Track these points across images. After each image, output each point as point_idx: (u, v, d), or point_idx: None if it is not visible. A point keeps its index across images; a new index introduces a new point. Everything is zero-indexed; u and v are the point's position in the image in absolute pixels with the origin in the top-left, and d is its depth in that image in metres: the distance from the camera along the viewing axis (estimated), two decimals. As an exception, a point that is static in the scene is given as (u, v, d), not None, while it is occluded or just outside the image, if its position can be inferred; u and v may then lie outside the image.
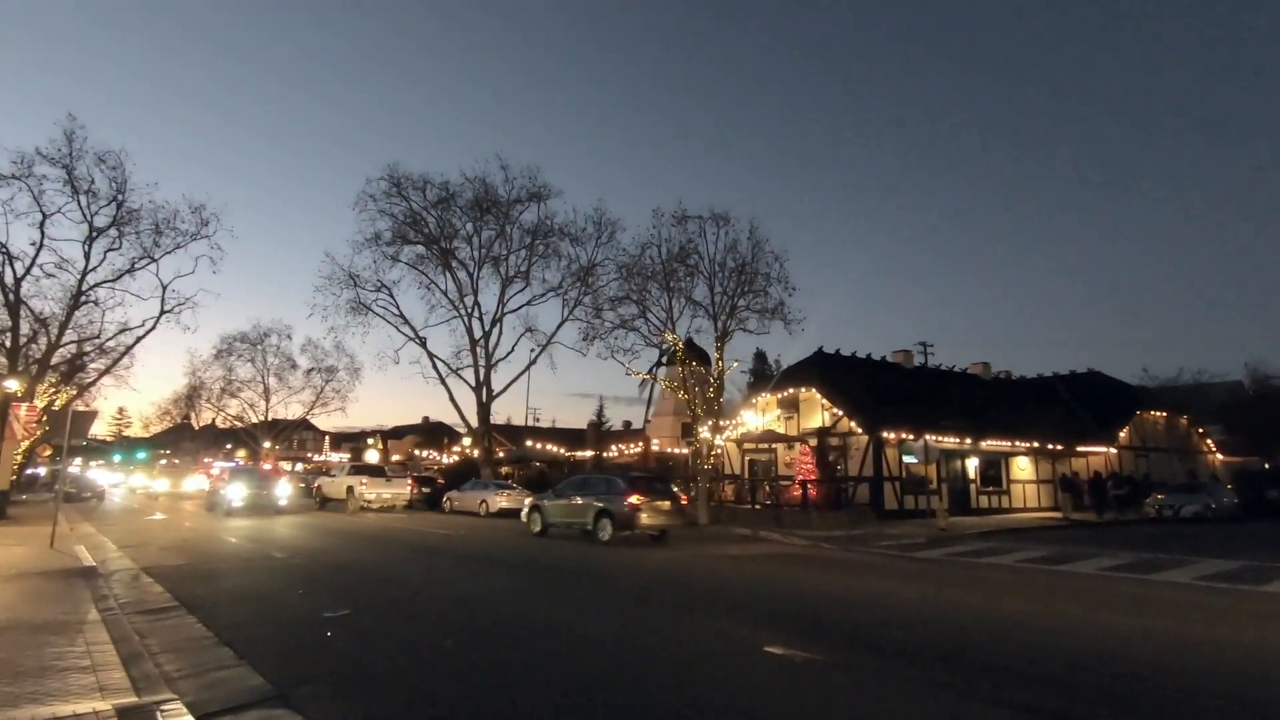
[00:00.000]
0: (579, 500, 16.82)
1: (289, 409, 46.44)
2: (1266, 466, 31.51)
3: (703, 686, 5.10)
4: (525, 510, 18.78)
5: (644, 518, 15.61)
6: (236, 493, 23.49)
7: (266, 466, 36.15)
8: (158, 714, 4.33)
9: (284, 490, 24.98)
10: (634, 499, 15.65)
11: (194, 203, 27.17)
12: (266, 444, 45.47)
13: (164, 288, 26.58)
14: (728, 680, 5.26)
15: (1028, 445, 26.09)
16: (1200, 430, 33.79)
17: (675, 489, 17.84)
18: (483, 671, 5.45)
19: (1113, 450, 28.74)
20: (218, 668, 5.56)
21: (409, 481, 30.49)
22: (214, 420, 52.90)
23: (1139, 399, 32.24)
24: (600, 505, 16.05)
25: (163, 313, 26.66)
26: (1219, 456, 33.67)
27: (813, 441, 23.70)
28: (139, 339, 27.23)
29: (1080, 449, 27.39)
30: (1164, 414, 32.32)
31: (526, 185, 31.45)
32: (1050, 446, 26.38)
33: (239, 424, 47.09)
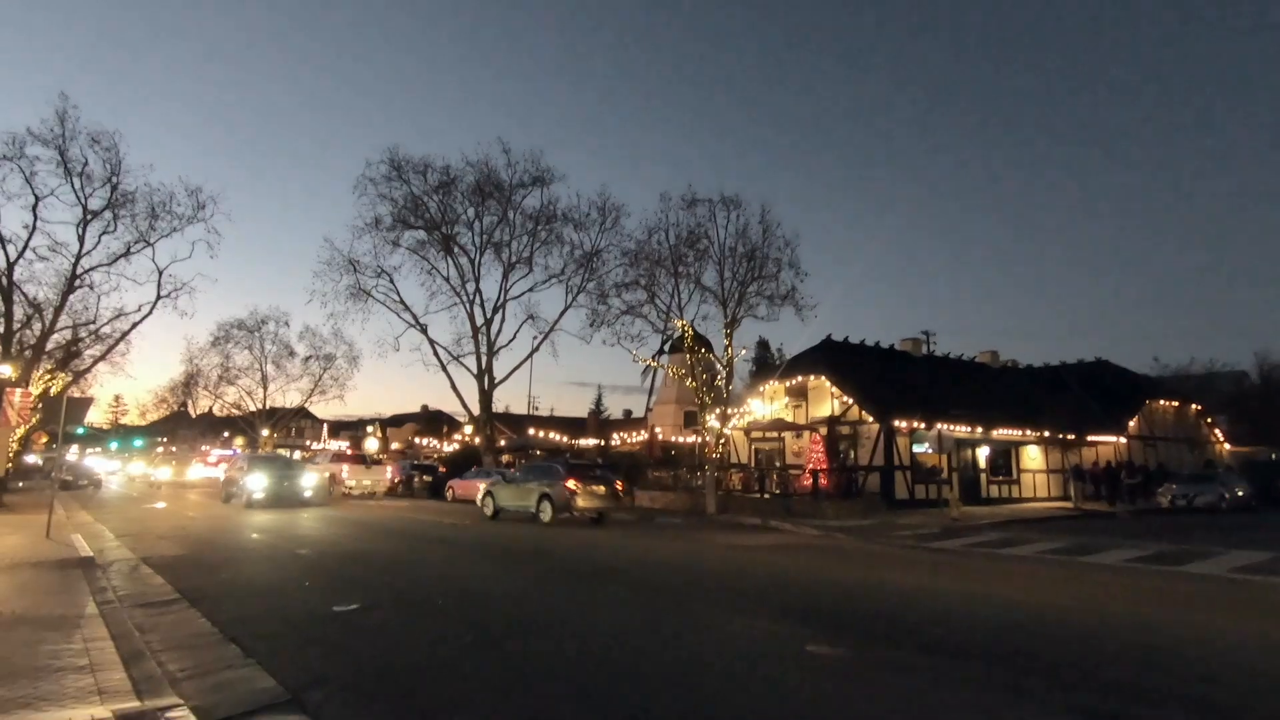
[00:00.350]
0: (524, 486, 18.11)
1: (287, 397, 46.03)
2: (1274, 456, 31.30)
3: (754, 692, 4.75)
4: (480, 495, 19.79)
5: (580, 501, 16.92)
6: (257, 483, 21.69)
7: (297, 455, 35.64)
8: (162, 721, 3.96)
9: (310, 481, 23.07)
10: (570, 484, 16.92)
11: (190, 185, 26.72)
12: (264, 432, 45.07)
13: (160, 272, 26.14)
14: (778, 683, 4.91)
15: (1037, 434, 25.82)
16: (1209, 420, 33.56)
17: (613, 476, 19.07)
18: (511, 674, 5.09)
19: (1122, 440, 28.50)
20: (224, 667, 5.20)
21: (388, 468, 31.01)
22: (211, 408, 52.44)
23: (1148, 388, 31.96)
24: (541, 490, 17.29)
25: (159, 298, 26.24)
26: (1227, 446, 33.47)
27: (823, 430, 23.39)
28: (135, 324, 26.80)
29: (1090, 438, 27.14)
30: (1173, 403, 32.08)
31: (529, 169, 30.94)
32: (1060, 436, 26.11)
33: (237, 412, 46.66)
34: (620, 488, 19.26)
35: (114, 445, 64.53)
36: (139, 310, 26.42)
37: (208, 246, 26.73)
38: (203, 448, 55.94)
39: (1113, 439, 28.20)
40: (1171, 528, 17.48)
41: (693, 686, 4.82)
